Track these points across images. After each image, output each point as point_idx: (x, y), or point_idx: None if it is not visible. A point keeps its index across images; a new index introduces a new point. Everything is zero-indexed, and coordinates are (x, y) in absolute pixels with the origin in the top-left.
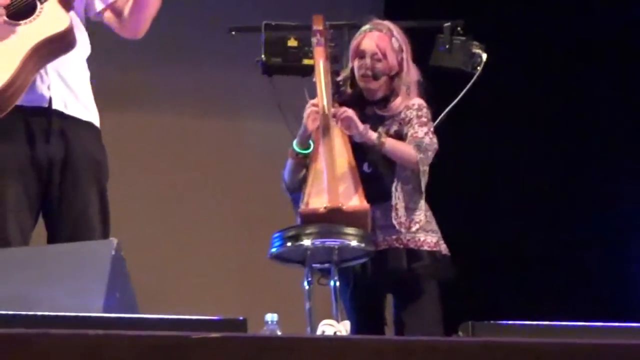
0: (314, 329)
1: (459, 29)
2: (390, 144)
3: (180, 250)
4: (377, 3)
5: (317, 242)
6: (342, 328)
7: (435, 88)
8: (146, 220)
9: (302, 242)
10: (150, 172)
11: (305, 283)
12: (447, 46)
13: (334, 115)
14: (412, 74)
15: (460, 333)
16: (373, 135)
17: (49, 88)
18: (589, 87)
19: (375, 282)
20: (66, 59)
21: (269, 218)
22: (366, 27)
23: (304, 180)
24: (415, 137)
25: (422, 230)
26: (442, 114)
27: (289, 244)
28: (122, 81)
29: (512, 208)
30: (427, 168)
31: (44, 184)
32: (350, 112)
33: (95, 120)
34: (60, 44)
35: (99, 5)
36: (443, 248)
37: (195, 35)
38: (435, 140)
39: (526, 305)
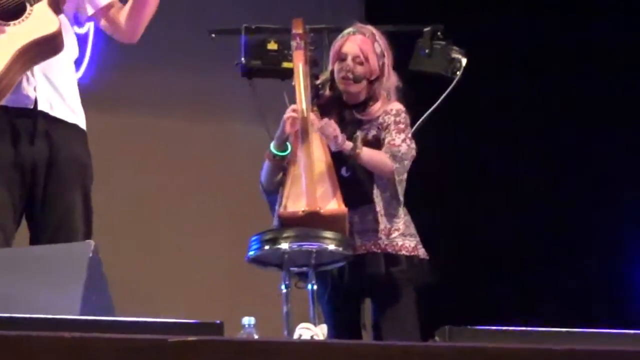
0: (291, 332)
1: (439, 33)
2: (366, 154)
3: (158, 252)
4: (358, 7)
5: (295, 245)
6: (319, 332)
7: (415, 92)
8: (125, 222)
9: (279, 246)
10: (132, 174)
11: (283, 286)
12: (427, 51)
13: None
14: (392, 79)
15: (437, 338)
16: (349, 145)
17: (35, 89)
18: (572, 89)
19: (353, 286)
20: (53, 61)
21: (246, 221)
22: (349, 30)
23: (281, 183)
24: (392, 145)
25: (400, 235)
26: (422, 119)
27: (266, 247)
28: (105, 83)
29: (499, 210)
30: (404, 177)
31: (27, 186)
32: (333, 127)
33: (82, 123)
34: (48, 46)
35: (90, 10)
36: (421, 252)
37: (175, 37)
38: (413, 146)
39: (509, 309)
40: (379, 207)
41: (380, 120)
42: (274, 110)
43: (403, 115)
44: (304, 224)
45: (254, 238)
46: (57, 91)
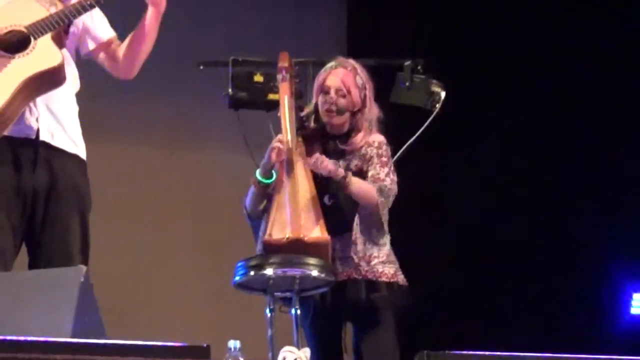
0: (275, 355)
1: (419, 67)
2: (355, 184)
3: (146, 277)
4: (341, 41)
5: (280, 271)
6: (303, 355)
7: (396, 123)
8: (114, 248)
9: (264, 271)
10: (121, 201)
11: (268, 311)
12: (407, 84)
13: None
14: (373, 110)
15: None
16: (341, 172)
17: (37, 120)
18: (544, 120)
19: (335, 310)
20: (56, 93)
21: (232, 248)
22: (332, 64)
23: (265, 209)
24: (377, 179)
25: (380, 262)
26: (401, 150)
27: (252, 272)
28: (92, 112)
29: (477, 236)
30: (386, 211)
31: (28, 212)
32: (325, 163)
33: (82, 153)
34: (50, 79)
35: (91, 45)
36: (400, 279)
37: (164, 68)
38: (395, 181)
39: (490, 334)
40: (360, 234)
41: (363, 151)
42: (259, 140)
43: (384, 147)
44: (288, 250)
45: (239, 264)
46: (58, 122)
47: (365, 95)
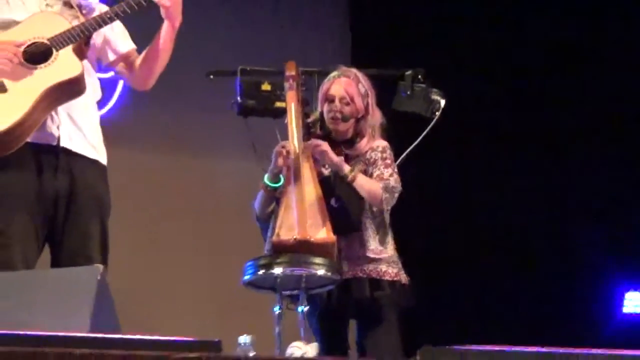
0: (283, 351)
1: (419, 76)
2: (361, 179)
3: (161, 277)
4: (345, 51)
5: (287, 270)
6: (310, 350)
7: (397, 130)
8: (130, 250)
9: (273, 271)
10: (135, 206)
11: (276, 308)
12: (408, 92)
13: (313, 146)
14: (376, 116)
15: (418, 357)
16: (346, 168)
17: (58, 128)
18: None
19: (340, 308)
20: (77, 101)
21: (242, 248)
22: (335, 73)
23: (273, 212)
24: (382, 178)
25: (384, 261)
26: (403, 155)
27: (260, 272)
28: (102, 120)
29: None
30: (388, 213)
31: (49, 216)
32: (325, 146)
33: (102, 159)
34: (71, 89)
35: (111, 56)
36: (403, 278)
37: (175, 78)
38: (399, 181)
39: (493, 330)
40: (365, 235)
41: (367, 156)
42: (267, 146)
43: (388, 151)
44: (295, 250)
45: (249, 263)
46: (79, 129)
47: (368, 102)
